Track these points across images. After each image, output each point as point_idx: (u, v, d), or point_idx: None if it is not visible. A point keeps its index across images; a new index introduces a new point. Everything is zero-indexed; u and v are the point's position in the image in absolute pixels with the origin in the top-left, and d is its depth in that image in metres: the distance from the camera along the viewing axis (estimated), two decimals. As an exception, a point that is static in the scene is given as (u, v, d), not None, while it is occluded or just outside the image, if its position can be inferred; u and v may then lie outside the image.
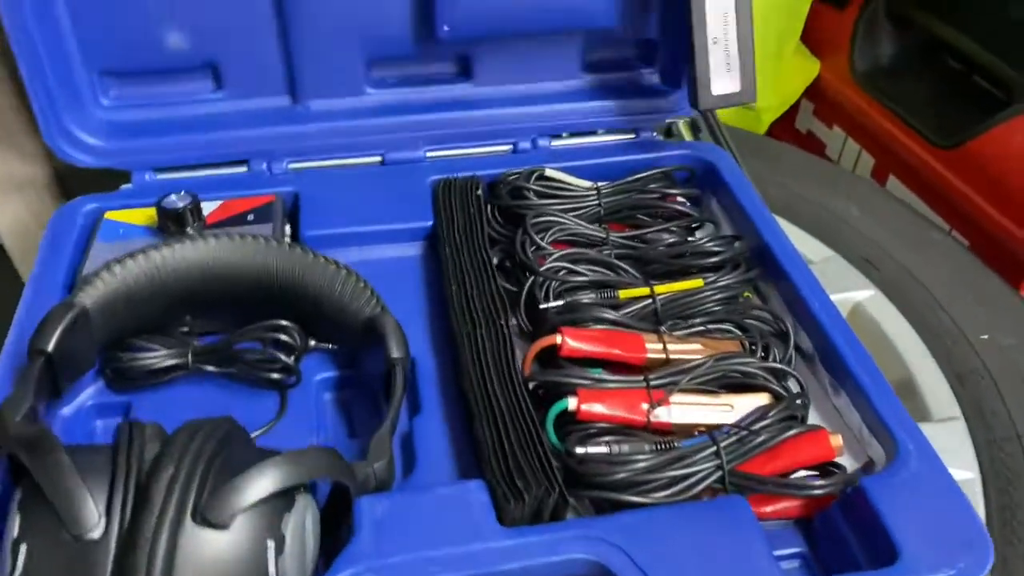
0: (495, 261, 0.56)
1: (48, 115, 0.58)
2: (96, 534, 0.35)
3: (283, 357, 0.50)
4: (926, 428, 0.58)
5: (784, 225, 0.66)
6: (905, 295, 0.69)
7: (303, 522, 0.38)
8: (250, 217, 0.58)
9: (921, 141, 1.00)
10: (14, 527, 0.36)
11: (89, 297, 0.46)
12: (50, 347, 0.44)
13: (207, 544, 0.35)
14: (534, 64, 0.66)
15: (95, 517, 0.35)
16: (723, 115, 0.74)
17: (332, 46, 0.62)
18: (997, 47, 0.97)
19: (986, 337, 0.65)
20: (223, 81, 0.63)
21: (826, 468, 0.45)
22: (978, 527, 0.40)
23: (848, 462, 0.46)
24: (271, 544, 0.36)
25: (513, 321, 0.53)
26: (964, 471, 0.56)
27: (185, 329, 0.52)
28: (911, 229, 0.77)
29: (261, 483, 0.36)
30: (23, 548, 0.35)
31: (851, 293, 0.69)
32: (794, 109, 1.20)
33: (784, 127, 1.22)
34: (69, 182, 0.71)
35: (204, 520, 0.35)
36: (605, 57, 0.68)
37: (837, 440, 0.44)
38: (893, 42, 1.10)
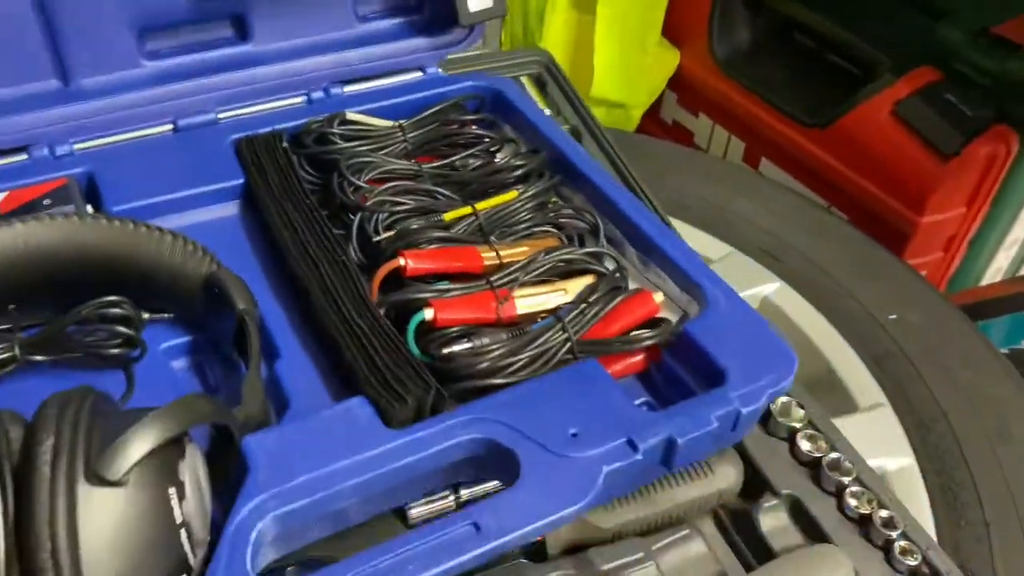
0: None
1: None
2: None
3: (122, 329, 0.48)
4: (855, 419, 0.60)
5: (679, 225, 0.66)
6: (810, 284, 0.68)
7: (196, 468, 0.38)
8: (46, 202, 0.54)
9: (790, 122, 1.00)
10: None
11: None
12: None
13: (108, 502, 0.34)
14: (309, 18, 0.67)
15: None
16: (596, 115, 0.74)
17: (98, 21, 0.59)
18: (850, 25, 0.99)
19: (894, 317, 0.66)
20: (-21, 72, 0.58)
21: (653, 324, 0.51)
22: (782, 346, 0.48)
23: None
24: (172, 491, 0.36)
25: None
26: (900, 458, 0.58)
27: (7, 326, 0.49)
28: (804, 216, 0.77)
29: (151, 433, 0.36)
30: None
31: (757, 288, 0.69)
32: (658, 100, 1.18)
33: (650, 119, 1.20)
34: None
35: (99, 479, 0.34)
36: (376, 8, 0.70)
37: (659, 296, 0.51)
38: (749, 26, 1.10)
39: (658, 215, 0.66)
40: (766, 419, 0.53)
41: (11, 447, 0.35)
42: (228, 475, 0.41)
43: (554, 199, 0.62)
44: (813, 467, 0.51)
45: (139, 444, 0.35)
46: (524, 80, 0.80)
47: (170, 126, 0.62)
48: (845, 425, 0.54)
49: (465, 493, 0.47)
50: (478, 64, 0.78)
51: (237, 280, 0.49)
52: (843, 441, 0.52)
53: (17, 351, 0.47)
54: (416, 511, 0.46)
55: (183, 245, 0.50)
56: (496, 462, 0.43)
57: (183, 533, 0.36)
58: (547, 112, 0.77)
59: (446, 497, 0.47)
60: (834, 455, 0.50)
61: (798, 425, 0.52)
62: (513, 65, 0.81)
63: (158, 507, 0.35)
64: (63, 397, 0.37)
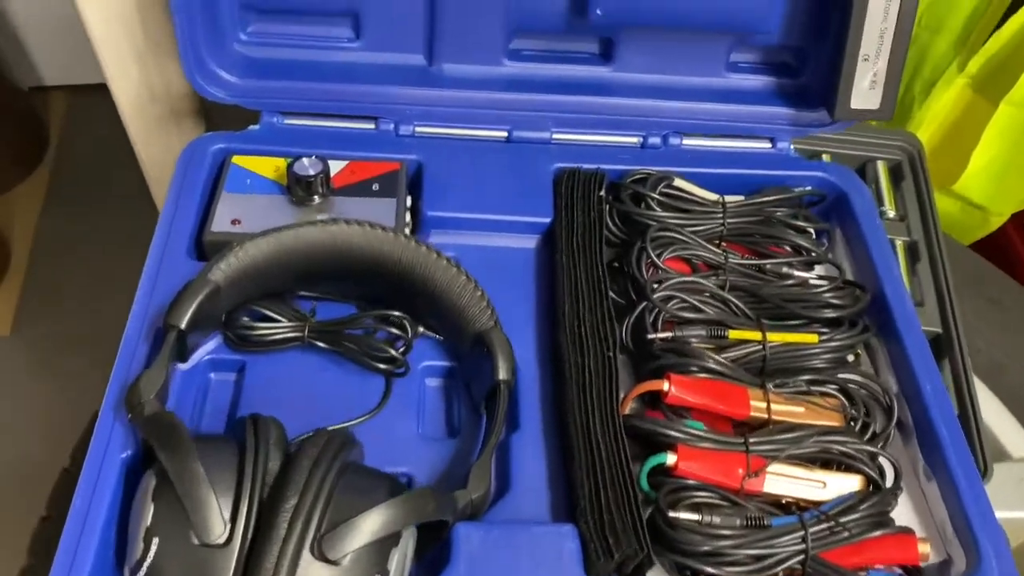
0: (606, 259, 0.56)
1: (188, 46, 0.58)
2: (220, 542, 0.38)
3: (392, 352, 0.51)
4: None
5: (987, 398, 0.61)
6: None
7: (405, 555, 0.40)
8: (375, 187, 0.58)
9: None
10: (147, 515, 0.38)
11: (221, 273, 0.48)
12: (183, 324, 0.46)
13: (322, 576, 0.37)
14: (678, 56, 0.63)
15: (222, 527, 0.38)
16: (944, 209, 0.67)
17: (477, 10, 0.60)
18: None
19: None
20: (362, 30, 0.62)
21: (906, 568, 0.46)
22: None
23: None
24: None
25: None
26: None
27: (313, 295, 0.54)
28: None
29: (376, 524, 0.38)
30: (155, 541, 0.38)
31: None
32: None
33: (1015, 222, 0.99)
34: (212, 115, 0.71)
35: (321, 555, 0.37)
36: (752, 58, 0.65)
37: (925, 548, 0.45)
38: None
39: (966, 386, 0.58)
40: None
41: (266, 480, 0.39)
42: (431, 546, 0.44)
43: (858, 352, 0.56)
44: None
45: (362, 534, 0.38)
46: (880, 166, 0.72)
47: (505, 133, 0.63)
48: None
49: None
50: (833, 136, 0.70)
51: (507, 346, 0.49)
52: None
53: (305, 333, 0.52)
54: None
55: (473, 290, 0.51)
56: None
57: (377, 611, 0.39)
58: (891, 214, 0.69)
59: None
60: None
61: None
62: (874, 145, 0.72)
63: (362, 588, 0.38)
64: (318, 450, 0.40)
